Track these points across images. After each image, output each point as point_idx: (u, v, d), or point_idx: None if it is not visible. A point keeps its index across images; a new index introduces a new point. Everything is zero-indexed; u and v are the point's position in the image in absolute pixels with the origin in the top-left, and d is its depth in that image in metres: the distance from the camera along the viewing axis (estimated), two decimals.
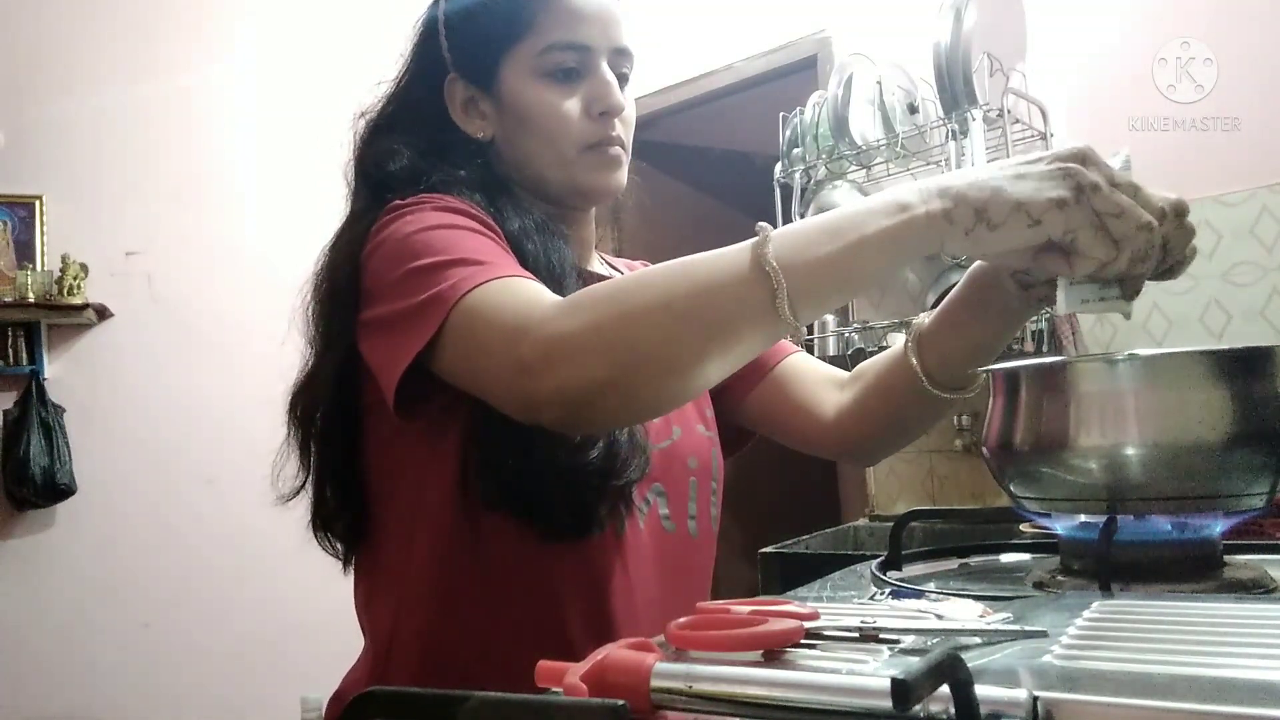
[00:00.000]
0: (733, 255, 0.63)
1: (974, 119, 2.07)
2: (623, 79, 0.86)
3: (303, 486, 0.85)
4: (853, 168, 2.42)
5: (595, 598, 0.79)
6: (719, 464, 0.92)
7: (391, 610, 0.82)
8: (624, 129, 0.86)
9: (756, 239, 0.62)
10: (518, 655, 0.78)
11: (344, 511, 0.84)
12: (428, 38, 0.88)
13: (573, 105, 0.83)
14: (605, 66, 0.84)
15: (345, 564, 0.87)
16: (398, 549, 0.82)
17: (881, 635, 0.46)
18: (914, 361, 0.83)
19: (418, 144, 0.84)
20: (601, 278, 0.89)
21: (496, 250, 0.74)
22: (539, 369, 0.63)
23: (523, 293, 0.68)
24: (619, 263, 1.00)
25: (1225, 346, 0.65)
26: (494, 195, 0.82)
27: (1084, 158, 0.61)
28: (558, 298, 0.67)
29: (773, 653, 0.44)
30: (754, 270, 0.61)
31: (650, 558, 0.83)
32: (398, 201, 0.78)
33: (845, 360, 2.31)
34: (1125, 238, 0.59)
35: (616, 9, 0.86)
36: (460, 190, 0.80)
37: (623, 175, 0.87)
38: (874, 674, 0.39)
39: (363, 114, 0.89)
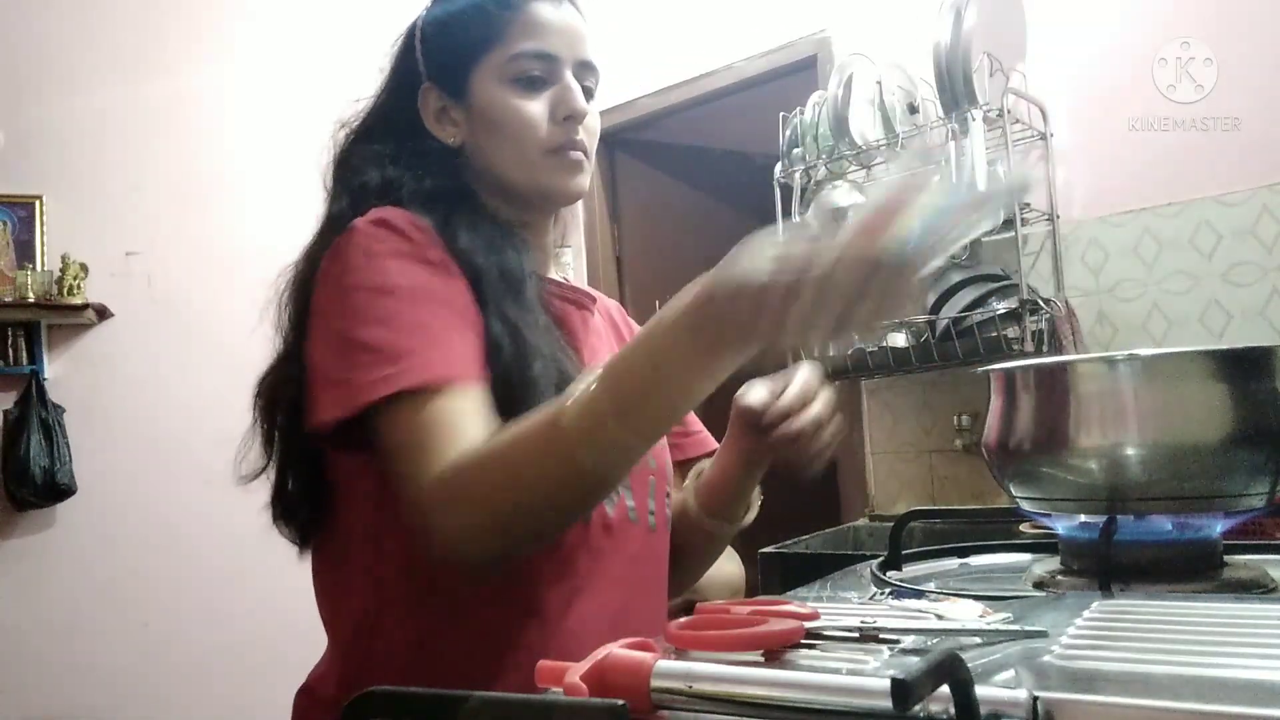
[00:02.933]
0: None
1: (974, 119, 2.07)
2: (587, 92, 0.90)
3: (263, 470, 0.88)
4: (853, 168, 2.42)
5: (569, 581, 0.81)
6: (672, 469, 0.97)
7: (360, 604, 0.83)
8: (587, 136, 0.90)
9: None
10: (495, 641, 0.79)
11: (305, 501, 0.86)
12: (406, 50, 0.93)
13: (538, 110, 0.87)
14: (570, 75, 0.89)
15: (301, 550, 0.89)
16: (363, 543, 0.83)
17: (881, 635, 0.46)
18: (692, 503, 0.94)
19: (391, 152, 0.89)
20: (557, 284, 0.94)
21: (434, 320, 0.76)
22: (434, 536, 0.70)
23: (431, 434, 0.71)
24: (568, 288, 0.99)
25: (1225, 346, 0.65)
26: (455, 207, 0.85)
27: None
28: (452, 454, 0.70)
29: (773, 653, 0.44)
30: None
31: (619, 545, 0.86)
32: (359, 223, 0.80)
33: (845, 360, 2.31)
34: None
35: (582, 24, 0.91)
36: (422, 205, 0.84)
37: (585, 180, 0.90)
38: (874, 674, 0.39)
39: (343, 125, 0.94)
